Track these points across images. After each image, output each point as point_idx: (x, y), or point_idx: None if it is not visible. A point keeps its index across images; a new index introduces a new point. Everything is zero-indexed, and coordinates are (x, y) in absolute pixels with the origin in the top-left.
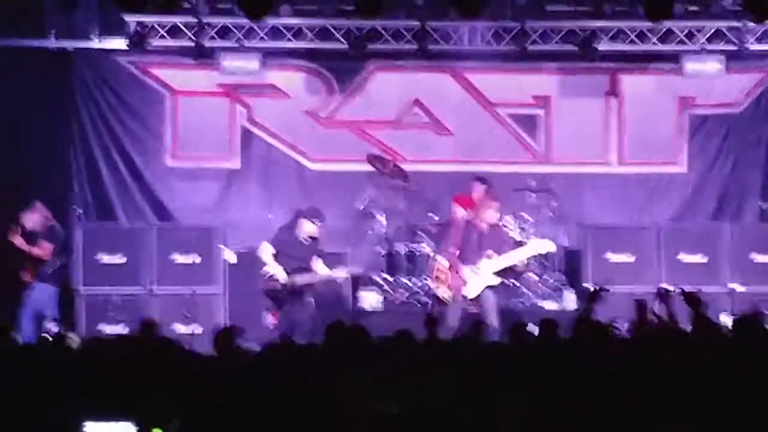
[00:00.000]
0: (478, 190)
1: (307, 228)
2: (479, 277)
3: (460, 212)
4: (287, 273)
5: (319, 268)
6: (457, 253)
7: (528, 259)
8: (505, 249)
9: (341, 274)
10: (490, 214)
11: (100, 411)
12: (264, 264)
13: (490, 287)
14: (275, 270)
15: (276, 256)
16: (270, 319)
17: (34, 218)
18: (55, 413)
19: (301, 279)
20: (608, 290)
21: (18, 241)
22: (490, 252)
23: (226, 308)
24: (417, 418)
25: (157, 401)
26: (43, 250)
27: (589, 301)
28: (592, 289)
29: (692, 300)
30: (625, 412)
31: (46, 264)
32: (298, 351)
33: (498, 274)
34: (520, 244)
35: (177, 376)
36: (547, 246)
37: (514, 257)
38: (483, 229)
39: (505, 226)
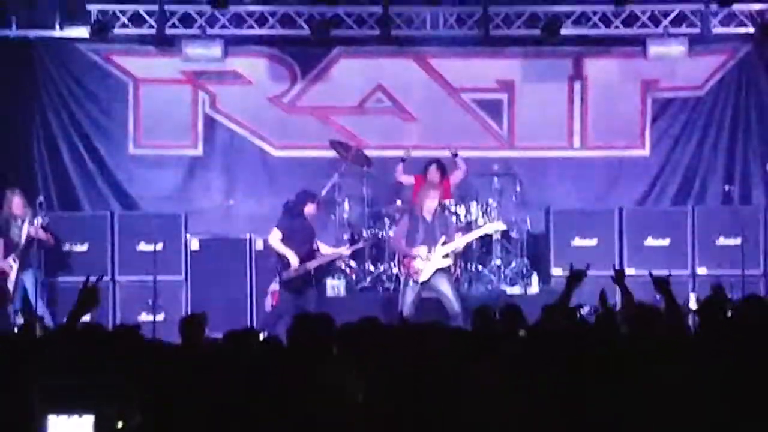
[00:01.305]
0: (432, 175)
1: (311, 210)
2: (429, 262)
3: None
4: (300, 258)
5: (323, 248)
6: (404, 240)
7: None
8: (452, 233)
9: (344, 251)
10: (429, 204)
11: (63, 404)
12: (276, 251)
13: (440, 270)
14: (289, 256)
15: (284, 241)
16: (269, 302)
17: (17, 202)
18: (21, 405)
19: (311, 264)
20: (587, 272)
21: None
22: (440, 237)
23: (189, 296)
24: (382, 403)
25: (120, 393)
26: (47, 236)
27: (570, 285)
28: (571, 271)
29: (660, 283)
30: (591, 391)
31: (31, 251)
32: (263, 340)
33: (446, 257)
34: (469, 226)
35: (141, 367)
36: (498, 226)
37: (465, 240)
38: (425, 217)
39: (450, 212)
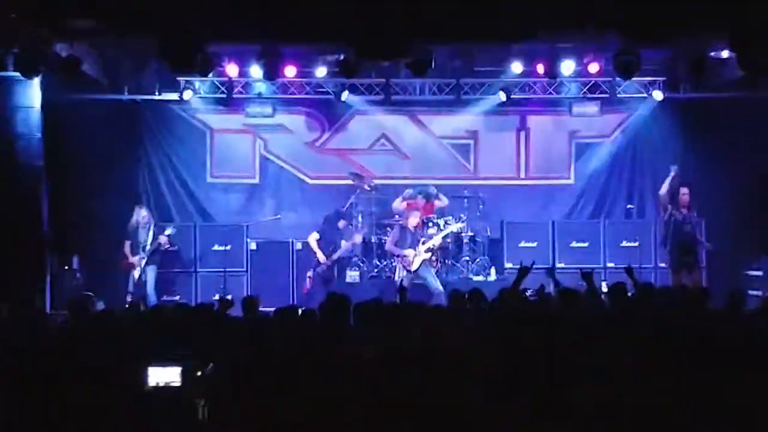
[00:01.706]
0: (417, 202)
1: (342, 225)
2: (418, 256)
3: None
4: (325, 255)
5: (343, 244)
6: (394, 245)
7: (445, 237)
8: (429, 237)
9: (357, 239)
10: (412, 220)
11: (158, 359)
12: (312, 248)
13: (425, 261)
14: (318, 254)
15: (319, 241)
16: (307, 284)
17: (144, 214)
18: (128, 361)
19: (335, 255)
20: (532, 267)
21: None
22: (422, 239)
23: (249, 283)
24: (388, 361)
25: (199, 352)
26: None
27: (519, 276)
28: (520, 267)
29: (586, 275)
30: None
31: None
32: (301, 313)
33: (428, 251)
34: (442, 230)
35: (214, 333)
36: (458, 226)
37: (438, 238)
38: (410, 229)
39: (426, 224)
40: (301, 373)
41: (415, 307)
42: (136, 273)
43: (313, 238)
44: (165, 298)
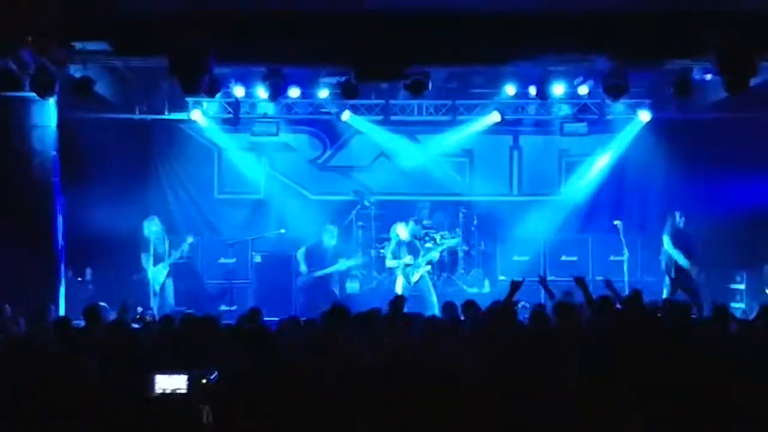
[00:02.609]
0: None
1: (327, 239)
2: (417, 269)
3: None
4: (308, 268)
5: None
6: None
7: (442, 251)
8: (426, 251)
9: (354, 262)
10: (401, 232)
11: (165, 367)
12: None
13: (424, 275)
14: (301, 264)
15: (306, 255)
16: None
17: (154, 228)
18: (137, 369)
19: (319, 273)
20: (523, 281)
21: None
22: (420, 251)
23: (254, 294)
24: (384, 366)
25: (204, 360)
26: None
27: (513, 289)
28: (512, 281)
29: (579, 280)
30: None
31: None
32: (303, 323)
33: (428, 264)
34: (439, 245)
35: (219, 342)
36: (454, 241)
37: (436, 253)
38: (404, 240)
39: (429, 237)
40: (303, 379)
41: (410, 318)
42: (157, 285)
43: (300, 252)
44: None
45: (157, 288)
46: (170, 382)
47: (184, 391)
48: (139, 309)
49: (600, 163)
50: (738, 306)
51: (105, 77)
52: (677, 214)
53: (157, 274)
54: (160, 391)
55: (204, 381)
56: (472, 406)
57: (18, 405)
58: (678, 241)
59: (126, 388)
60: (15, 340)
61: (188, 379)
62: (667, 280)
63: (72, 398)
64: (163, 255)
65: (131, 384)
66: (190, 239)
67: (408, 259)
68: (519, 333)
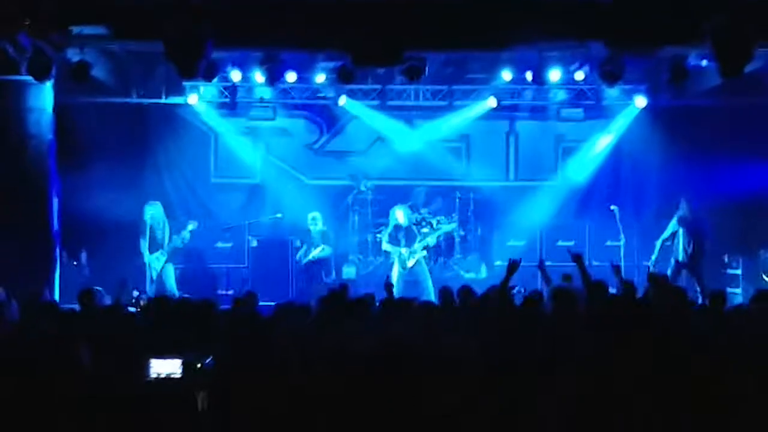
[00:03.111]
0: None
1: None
2: (413, 255)
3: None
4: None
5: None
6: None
7: (438, 236)
8: (423, 236)
9: (322, 253)
10: (399, 215)
11: (160, 351)
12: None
13: (420, 259)
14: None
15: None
16: None
17: (153, 213)
18: (132, 353)
19: (305, 260)
20: (520, 261)
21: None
22: (417, 237)
23: (250, 278)
24: (377, 356)
25: (199, 344)
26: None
27: (509, 271)
28: (509, 262)
29: (576, 257)
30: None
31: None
32: (299, 308)
33: (424, 249)
34: (436, 230)
35: (215, 326)
36: (451, 226)
37: (432, 238)
38: (401, 225)
39: (426, 222)
40: (298, 365)
41: (405, 303)
42: (154, 272)
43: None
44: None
45: (155, 274)
46: (165, 366)
47: (178, 375)
48: (135, 293)
49: (597, 148)
50: (735, 291)
51: (102, 61)
52: (686, 201)
53: (154, 260)
54: (155, 376)
55: (199, 366)
56: (466, 394)
57: (8, 390)
58: (689, 226)
59: (120, 372)
60: (7, 323)
61: (183, 364)
62: (672, 262)
63: (64, 382)
64: (162, 241)
65: (125, 368)
66: (191, 225)
67: (404, 251)
68: (514, 320)
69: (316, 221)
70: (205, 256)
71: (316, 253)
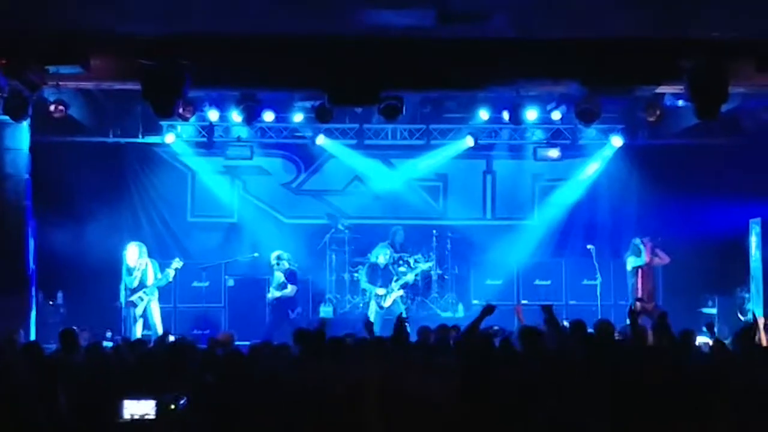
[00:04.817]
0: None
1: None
2: (389, 294)
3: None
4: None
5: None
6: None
7: (416, 274)
8: (400, 275)
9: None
10: (380, 258)
11: (132, 393)
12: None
13: (397, 298)
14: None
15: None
16: None
17: (133, 254)
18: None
19: (270, 297)
20: (496, 307)
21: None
22: (394, 276)
23: (227, 318)
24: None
25: (173, 385)
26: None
27: (481, 315)
28: (485, 306)
29: (546, 309)
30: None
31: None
32: (275, 348)
33: (401, 288)
34: (413, 269)
35: (187, 367)
36: (428, 265)
37: (410, 276)
38: (380, 265)
39: (404, 261)
40: (274, 406)
41: (382, 342)
42: (138, 311)
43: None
44: (145, 331)
45: (138, 313)
46: (138, 408)
47: (152, 416)
48: (108, 334)
49: (573, 188)
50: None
51: (79, 100)
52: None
53: (138, 300)
54: (128, 417)
55: (172, 407)
56: None
57: None
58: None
59: (94, 414)
60: None
61: (156, 405)
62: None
63: (40, 424)
64: (144, 281)
65: (100, 410)
66: (177, 264)
67: (380, 291)
68: (492, 360)
69: (280, 260)
70: (182, 295)
71: (279, 293)
